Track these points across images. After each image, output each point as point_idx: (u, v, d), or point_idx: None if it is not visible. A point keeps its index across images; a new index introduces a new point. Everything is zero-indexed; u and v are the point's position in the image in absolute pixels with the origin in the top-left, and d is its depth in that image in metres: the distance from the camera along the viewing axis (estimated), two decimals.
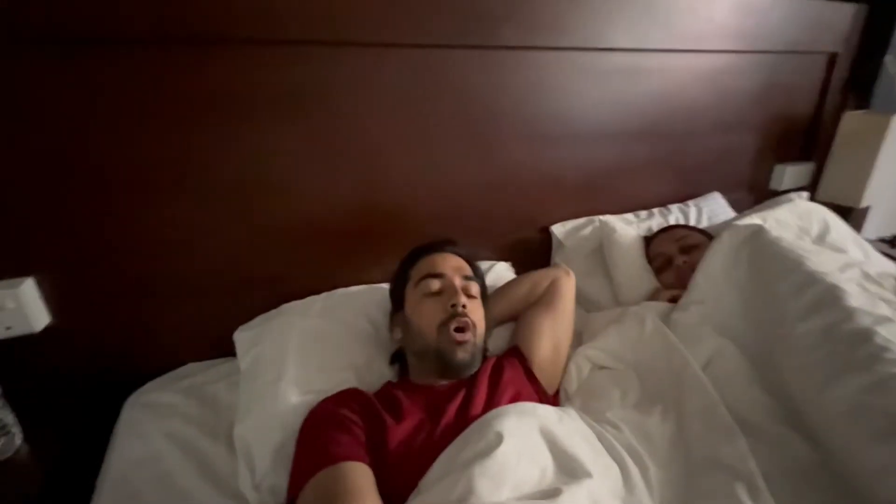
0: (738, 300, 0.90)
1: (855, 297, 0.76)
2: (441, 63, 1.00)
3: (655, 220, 1.33)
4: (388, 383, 0.80)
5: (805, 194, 1.35)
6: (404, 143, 1.03)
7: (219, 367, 0.93)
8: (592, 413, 0.72)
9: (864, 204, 1.56)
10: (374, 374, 0.84)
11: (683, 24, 1.22)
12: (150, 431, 0.76)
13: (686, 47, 1.26)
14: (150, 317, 0.93)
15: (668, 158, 1.40)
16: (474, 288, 0.82)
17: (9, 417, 0.75)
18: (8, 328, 0.78)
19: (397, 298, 0.85)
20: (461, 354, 0.74)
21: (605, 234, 1.18)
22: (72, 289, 0.84)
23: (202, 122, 0.84)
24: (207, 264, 0.94)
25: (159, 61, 0.77)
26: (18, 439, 0.76)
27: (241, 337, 0.88)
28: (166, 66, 0.78)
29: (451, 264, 0.83)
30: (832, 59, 1.54)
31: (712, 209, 1.42)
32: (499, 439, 0.53)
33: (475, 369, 0.78)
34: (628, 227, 1.22)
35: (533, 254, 1.28)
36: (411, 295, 0.81)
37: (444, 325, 0.74)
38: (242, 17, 0.80)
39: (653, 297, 1.05)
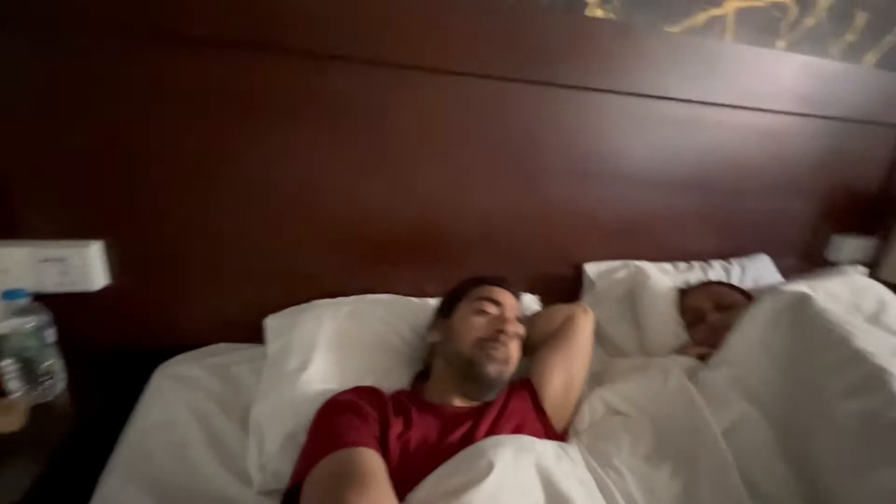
0: (772, 367, 0.85)
1: None
2: (493, 93, 1.04)
3: (695, 274, 1.29)
4: (401, 392, 0.81)
5: (863, 269, 1.27)
6: (446, 165, 1.07)
7: (245, 351, 0.97)
8: (598, 455, 0.70)
9: None
10: (391, 383, 0.86)
11: (747, 82, 1.21)
12: (172, 400, 0.81)
13: (747, 104, 1.24)
14: (192, 294, 0.99)
15: (715, 213, 1.37)
16: (521, 329, 0.86)
17: (57, 364, 0.82)
18: (72, 283, 0.86)
19: (447, 307, 0.89)
20: (491, 369, 0.77)
21: (639, 279, 1.16)
22: (130, 257, 0.92)
23: (257, 121, 0.91)
24: (250, 254, 1.00)
25: (218, 62, 0.85)
26: (60, 386, 0.83)
27: (272, 324, 0.93)
28: (224, 67, 0.86)
29: (510, 302, 0.87)
30: None
31: (758, 271, 1.36)
32: (489, 470, 0.53)
33: (492, 397, 0.79)
34: (664, 276, 1.19)
35: (562, 290, 1.27)
36: (464, 307, 0.85)
37: (484, 341, 0.79)
38: (306, 29, 0.86)
39: (681, 351, 1.02)
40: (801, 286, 0.99)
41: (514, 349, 0.82)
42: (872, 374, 0.73)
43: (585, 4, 1.05)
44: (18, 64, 0.78)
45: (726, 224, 1.41)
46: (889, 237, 1.54)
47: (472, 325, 0.81)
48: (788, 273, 1.40)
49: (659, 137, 1.21)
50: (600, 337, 1.18)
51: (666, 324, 1.09)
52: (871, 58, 1.41)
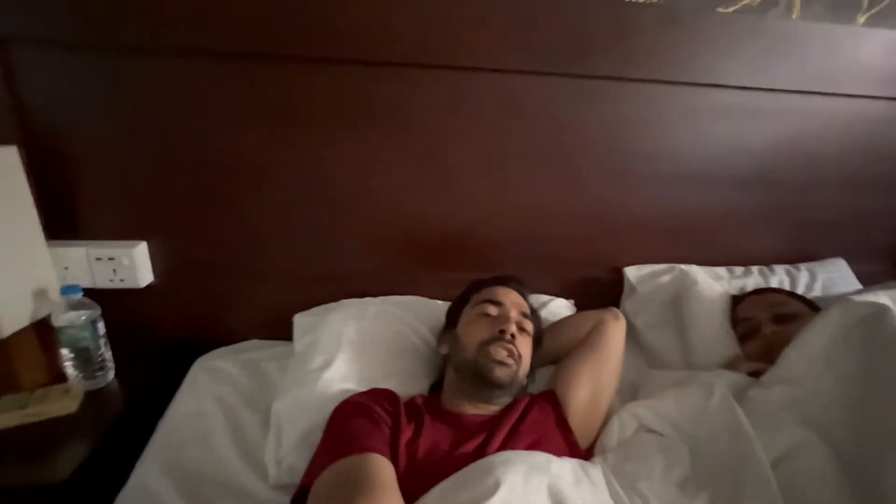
0: (838, 389, 0.74)
1: None
2: (530, 89, 1.00)
3: (752, 280, 1.17)
4: (417, 397, 0.80)
5: None
6: (484, 164, 1.05)
7: (276, 348, 1.01)
8: (625, 478, 0.64)
9: None
10: (413, 386, 0.85)
11: (817, 64, 1.08)
12: (204, 392, 0.85)
13: (817, 89, 1.10)
14: (229, 292, 1.05)
15: (780, 212, 1.23)
16: (528, 325, 0.83)
17: (108, 354, 0.89)
18: (122, 280, 0.93)
19: (453, 317, 0.88)
20: (499, 373, 0.74)
21: (686, 284, 1.06)
22: (174, 258, 0.99)
23: (302, 130, 0.95)
24: (289, 257, 1.04)
25: (264, 74, 0.90)
26: (111, 375, 0.90)
27: (300, 321, 0.95)
28: (270, 78, 0.90)
29: (513, 299, 0.85)
30: None
31: (830, 277, 1.20)
32: (495, 489, 0.50)
33: (508, 400, 0.77)
34: (714, 282, 1.08)
35: (601, 294, 1.19)
36: (467, 314, 0.84)
37: (487, 343, 0.76)
38: (350, 39, 0.88)
39: (731, 366, 0.92)
40: (880, 296, 0.85)
41: (521, 346, 0.78)
42: None
43: None
44: (91, 85, 0.87)
45: (794, 224, 1.26)
46: None
47: (474, 329, 0.79)
48: (869, 281, 1.22)
49: (712, 130, 1.11)
50: (641, 346, 1.11)
51: (714, 334, 0.99)
52: None
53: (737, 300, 1.03)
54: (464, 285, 0.92)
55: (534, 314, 0.88)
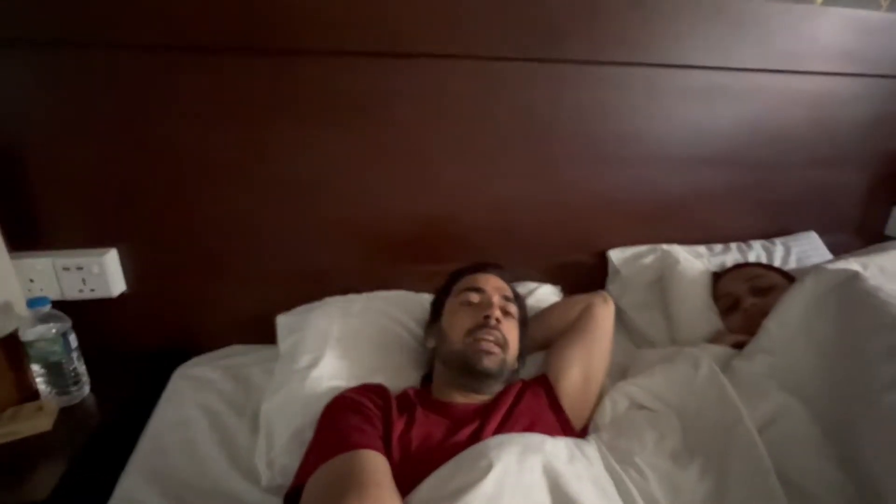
0: (816, 355, 0.76)
1: None
2: (501, 75, 1.00)
3: (731, 256, 1.19)
4: (409, 390, 0.79)
5: None
6: (459, 154, 1.04)
7: (258, 352, 0.98)
8: (619, 453, 0.65)
9: None
10: (402, 380, 0.84)
11: (781, 43, 1.10)
12: (187, 401, 0.82)
13: (782, 67, 1.13)
14: (206, 297, 1.01)
15: (752, 189, 1.26)
16: (512, 308, 0.83)
17: (82, 368, 0.85)
18: (92, 290, 0.89)
19: (436, 309, 0.87)
20: (486, 362, 0.73)
21: (668, 264, 1.08)
22: (146, 264, 0.95)
23: (268, 124, 0.92)
24: (264, 256, 1.01)
25: (223, 68, 0.87)
26: (86, 389, 0.86)
27: (284, 321, 0.93)
28: (231, 72, 0.87)
29: (493, 284, 0.85)
30: None
31: (804, 250, 1.24)
32: (487, 470, 0.50)
33: (499, 388, 0.76)
34: (695, 260, 1.10)
35: (586, 279, 1.21)
36: (449, 305, 0.83)
37: (472, 331, 0.76)
38: (310, 30, 0.86)
39: (714, 340, 0.94)
40: (850, 263, 0.89)
41: (507, 331, 0.78)
42: None
43: None
44: (49, 84, 0.82)
45: (767, 201, 1.29)
46: None
47: (458, 319, 0.78)
48: (839, 251, 1.27)
49: (682, 111, 1.13)
50: (627, 327, 1.12)
51: (698, 310, 1.01)
52: None
53: (717, 276, 1.05)
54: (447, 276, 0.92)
55: (517, 297, 0.88)
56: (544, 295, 1.07)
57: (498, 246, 1.14)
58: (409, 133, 1.00)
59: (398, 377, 0.84)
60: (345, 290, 1.01)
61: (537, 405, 0.74)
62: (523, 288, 1.06)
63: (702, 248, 1.21)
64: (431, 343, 0.84)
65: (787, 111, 1.20)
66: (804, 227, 1.32)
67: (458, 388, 0.76)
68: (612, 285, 1.17)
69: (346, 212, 1.02)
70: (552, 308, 0.93)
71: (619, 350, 1.00)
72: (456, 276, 0.88)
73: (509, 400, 0.73)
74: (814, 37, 1.12)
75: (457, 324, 0.78)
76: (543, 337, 0.89)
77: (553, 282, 1.15)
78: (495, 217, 1.12)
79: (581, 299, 0.90)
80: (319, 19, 0.86)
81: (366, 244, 1.07)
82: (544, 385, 0.78)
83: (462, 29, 0.93)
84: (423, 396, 0.76)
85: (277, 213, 0.99)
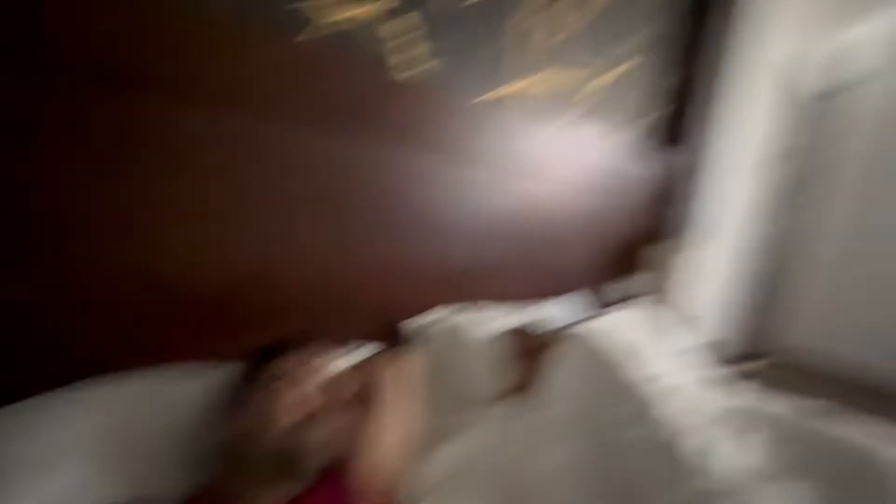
0: (578, 405, 0.91)
1: (665, 406, 0.82)
2: (308, 139, 0.99)
3: (513, 319, 1.37)
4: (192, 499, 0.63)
5: (641, 303, 1.53)
6: (250, 220, 0.96)
7: None
8: None
9: (688, 312, 1.82)
10: (180, 485, 0.68)
11: (535, 149, 1.42)
12: None
13: (535, 171, 1.45)
14: None
15: (527, 260, 1.54)
16: (333, 393, 0.75)
17: None
18: None
19: (236, 396, 0.73)
20: (310, 460, 0.66)
21: (456, 332, 1.18)
22: None
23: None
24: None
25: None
26: None
27: None
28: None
29: (315, 367, 0.77)
30: (663, 193, 1.89)
31: (564, 311, 1.52)
32: None
33: (305, 485, 0.67)
34: (481, 325, 1.23)
35: (394, 345, 1.22)
36: (259, 391, 0.71)
37: (294, 426, 0.67)
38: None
39: (499, 399, 1.03)
40: (593, 323, 1.12)
41: (326, 422, 0.71)
42: (640, 403, 0.83)
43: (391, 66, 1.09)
44: None
45: (536, 270, 1.58)
46: (659, 275, 1.91)
47: (277, 410, 0.68)
48: (589, 311, 1.61)
49: (471, 196, 1.32)
50: (428, 397, 1.15)
51: (485, 373, 1.10)
52: (630, 131, 1.79)
53: (501, 338, 1.18)
54: (246, 349, 0.79)
55: (337, 379, 0.81)
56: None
57: (290, 318, 1.06)
58: (197, 191, 0.88)
59: (173, 481, 0.68)
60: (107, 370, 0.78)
61: (331, 498, 0.67)
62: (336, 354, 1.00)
63: (491, 312, 1.36)
64: (227, 433, 0.70)
65: (550, 202, 1.52)
66: (564, 292, 1.64)
67: (259, 489, 0.65)
68: (409, 355, 1.20)
69: (126, 273, 0.82)
70: (344, 378, 0.87)
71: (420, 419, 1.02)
72: (262, 356, 0.76)
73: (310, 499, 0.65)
74: (559, 149, 1.48)
75: (274, 416, 0.67)
76: (357, 403, 0.83)
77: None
78: (289, 289, 1.05)
79: (380, 364, 0.88)
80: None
81: (146, 311, 0.86)
82: (336, 476, 0.71)
83: (261, 92, 0.90)
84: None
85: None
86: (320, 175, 1.03)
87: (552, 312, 1.49)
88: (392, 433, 0.80)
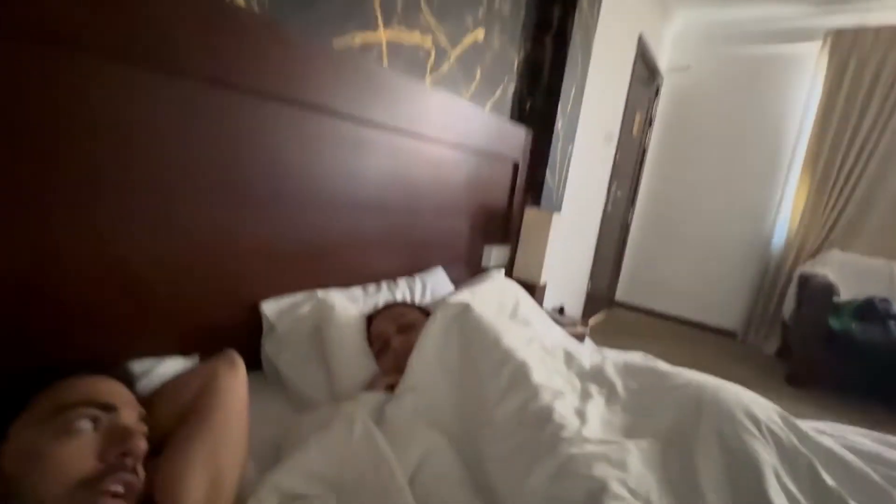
0: (450, 385, 0.85)
1: (538, 371, 0.80)
2: (119, 84, 0.71)
3: (383, 295, 1.27)
4: None
5: (503, 271, 1.56)
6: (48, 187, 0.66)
7: None
8: None
9: (541, 280, 1.94)
10: None
11: (407, 109, 1.28)
12: None
13: (408, 129, 1.31)
14: None
15: (397, 233, 1.40)
16: (144, 442, 0.54)
17: None
18: None
19: None
20: None
21: (323, 312, 1.02)
22: None
23: None
24: None
25: None
26: None
27: None
28: None
29: (125, 396, 0.56)
30: (516, 166, 1.94)
31: (436, 283, 1.47)
32: None
33: None
34: (350, 305, 1.09)
35: (236, 340, 0.98)
36: (27, 434, 0.48)
37: (90, 482, 0.46)
38: None
39: (370, 385, 0.92)
40: (462, 294, 1.07)
41: (142, 472, 0.53)
42: (517, 369, 0.80)
43: None
44: None
45: (408, 243, 1.47)
46: (516, 244, 2.00)
47: (60, 459, 0.46)
48: (459, 281, 1.58)
49: (332, 157, 1.12)
50: (287, 389, 0.98)
51: (356, 357, 0.98)
52: (489, 104, 1.79)
53: (370, 319, 1.07)
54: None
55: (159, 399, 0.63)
56: (168, 372, 0.78)
57: (109, 313, 0.79)
58: None
59: None
60: None
61: None
62: (136, 367, 0.76)
63: (357, 291, 1.23)
64: None
65: (416, 168, 1.41)
66: (434, 264, 1.58)
67: None
68: (267, 343, 1.01)
69: None
70: (161, 391, 0.67)
71: (275, 421, 0.85)
72: (34, 384, 0.53)
73: None
74: (426, 110, 1.36)
75: (62, 465, 0.46)
76: (156, 436, 0.62)
77: (191, 350, 0.89)
78: (94, 275, 0.76)
79: (200, 371, 0.68)
80: None
81: None
82: None
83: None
84: None
85: None
86: (142, 133, 0.76)
87: (423, 286, 1.42)
88: (231, 457, 0.62)
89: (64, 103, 0.68)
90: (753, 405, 0.74)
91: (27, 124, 0.65)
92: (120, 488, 0.48)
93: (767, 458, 0.65)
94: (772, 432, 0.70)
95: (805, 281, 2.79)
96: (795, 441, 0.69)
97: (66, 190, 0.71)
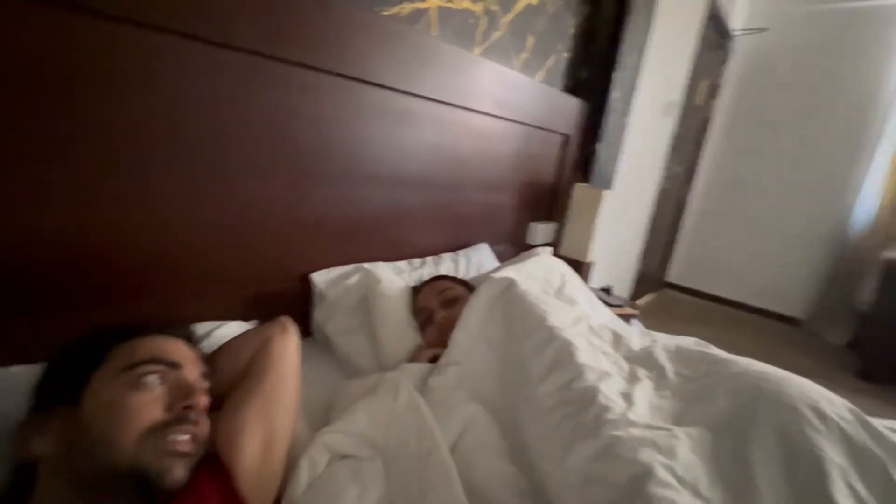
0: (492, 359, 0.85)
1: (584, 352, 0.79)
2: (171, 55, 0.74)
3: (427, 269, 1.28)
4: None
5: (550, 249, 1.52)
6: (106, 160, 0.71)
7: None
8: None
9: (589, 259, 1.88)
10: None
11: (455, 81, 1.25)
12: None
13: (457, 102, 1.28)
14: None
15: (441, 208, 1.40)
16: (205, 397, 0.58)
17: None
18: None
19: (64, 389, 0.53)
20: (178, 472, 0.50)
21: (370, 284, 1.05)
22: None
23: None
24: None
25: None
26: None
27: None
28: None
29: (189, 355, 0.59)
30: (566, 140, 1.86)
31: (480, 259, 1.46)
32: None
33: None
34: (396, 277, 1.12)
35: (289, 308, 1.03)
36: (105, 386, 0.52)
37: (158, 430, 0.50)
38: None
39: (414, 357, 0.95)
40: (508, 271, 1.06)
41: (205, 424, 0.57)
42: (562, 348, 0.78)
43: None
44: None
45: (452, 218, 1.47)
46: (563, 222, 1.94)
47: (132, 409, 0.50)
48: (503, 258, 1.56)
49: (376, 130, 1.13)
50: (335, 356, 1.03)
51: (400, 328, 1.01)
52: (540, 74, 1.72)
53: (415, 291, 1.08)
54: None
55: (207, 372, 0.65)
56: (228, 335, 0.84)
57: (172, 279, 0.85)
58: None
59: None
60: None
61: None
62: (199, 329, 0.82)
63: (402, 264, 1.25)
64: (46, 444, 0.50)
65: (462, 141, 1.38)
66: (479, 240, 1.57)
67: None
68: (317, 311, 1.05)
69: None
70: (221, 352, 0.71)
71: (326, 385, 0.89)
72: (115, 338, 0.57)
73: None
74: (476, 81, 1.32)
75: (129, 417, 0.50)
76: (215, 393, 0.67)
77: (248, 317, 0.95)
78: (162, 245, 0.82)
79: (255, 333, 0.72)
80: None
81: None
82: (218, 472, 0.57)
83: None
84: None
85: None
86: (194, 105, 0.79)
87: (468, 261, 1.42)
88: (283, 415, 0.66)
89: (122, 75, 0.71)
90: (820, 398, 0.68)
91: (92, 97, 0.70)
92: (185, 437, 0.52)
93: (834, 455, 0.60)
94: (840, 429, 0.65)
95: (890, 267, 2.53)
96: (868, 440, 0.64)
97: (132, 165, 0.76)
